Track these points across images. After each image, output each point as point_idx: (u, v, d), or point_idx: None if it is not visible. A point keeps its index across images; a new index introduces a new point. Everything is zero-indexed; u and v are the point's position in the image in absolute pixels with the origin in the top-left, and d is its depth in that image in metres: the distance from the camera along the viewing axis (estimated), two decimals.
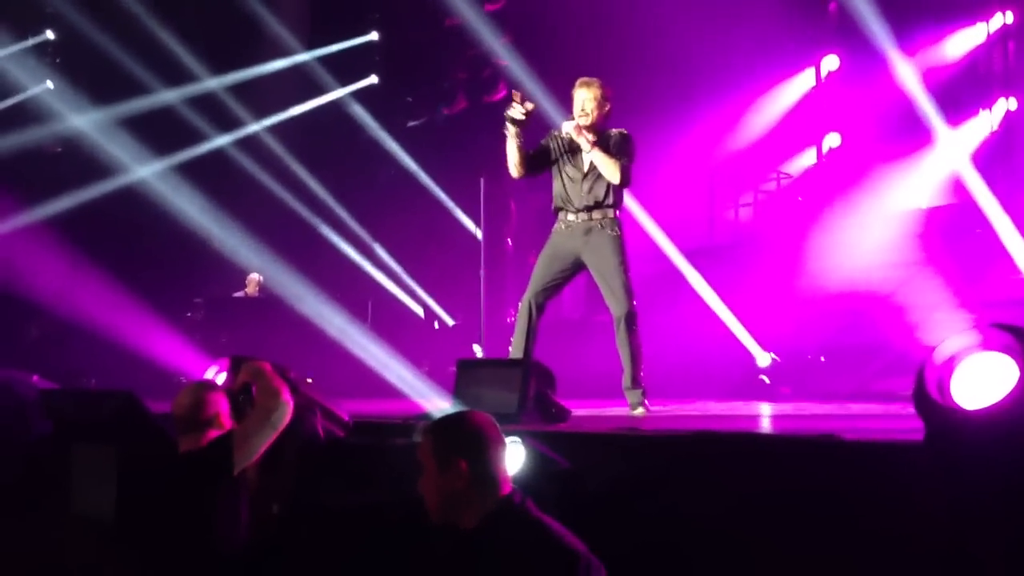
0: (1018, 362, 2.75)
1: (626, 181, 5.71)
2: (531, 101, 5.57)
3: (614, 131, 5.80)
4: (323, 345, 9.01)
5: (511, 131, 5.60)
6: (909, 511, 3.06)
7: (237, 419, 3.91)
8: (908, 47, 8.93)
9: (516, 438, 3.59)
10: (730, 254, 9.62)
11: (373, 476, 4.18)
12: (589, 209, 5.78)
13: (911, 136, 9.09)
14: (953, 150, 8.73)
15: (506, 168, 5.79)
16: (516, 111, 5.51)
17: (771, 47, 10.14)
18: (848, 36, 9.46)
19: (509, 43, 10.18)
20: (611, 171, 5.66)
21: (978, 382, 2.82)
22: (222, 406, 3.91)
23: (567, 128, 5.77)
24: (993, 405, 2.74)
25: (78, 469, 4.27)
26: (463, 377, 5.10)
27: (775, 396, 7.08)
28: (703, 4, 9.55)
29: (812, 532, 3.31)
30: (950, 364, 2.87)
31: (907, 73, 8.69)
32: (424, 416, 4.46)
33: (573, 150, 5.83)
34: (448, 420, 3.06)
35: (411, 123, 12.03)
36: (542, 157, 5.89)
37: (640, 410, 5.65)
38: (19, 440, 4.46)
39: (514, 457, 3.53)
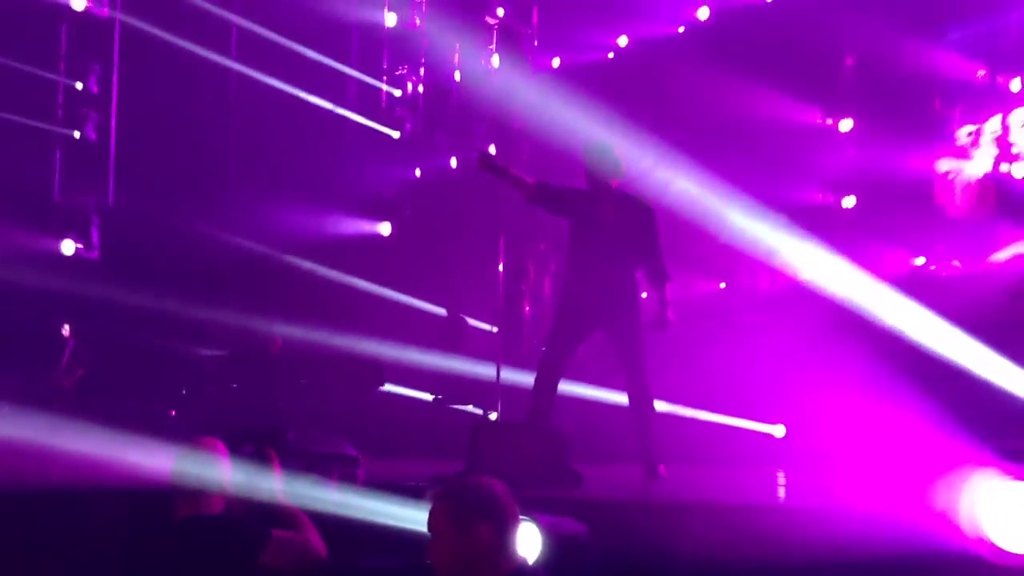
0: None
1: None
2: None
3: None
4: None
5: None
6: None
7: None
8: None
9: (527, 519, 3.57)
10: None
11: None
12: None
13: None
14: None
15: None
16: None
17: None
18: None
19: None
20: None
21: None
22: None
23: None
24: None
25: None
26: (479, 442, 5.12)
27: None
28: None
29: None
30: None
31: None
32: (435, 480, 4.47)
33: None
34: (468, 485, 3.03)
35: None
36: None
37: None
38: None
39: (529, 540, 3.53)
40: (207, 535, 3.54)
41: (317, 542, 3.66)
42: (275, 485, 3.75)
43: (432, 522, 2.91)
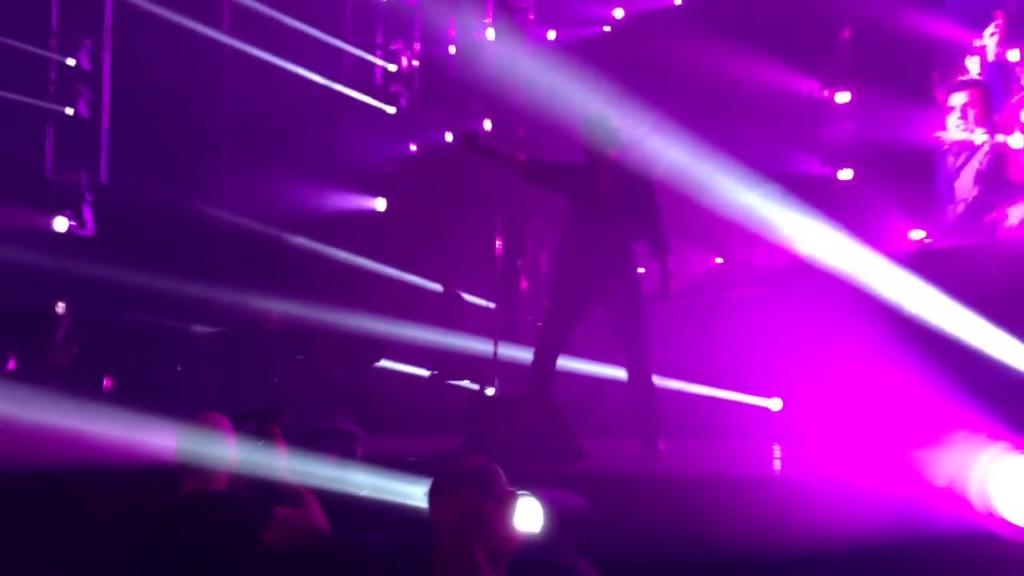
0: None
1: None
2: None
3: None
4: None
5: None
6: None
7: None
8: None
9: (527, 493, 3.56)
10: None
11: None
12: None
13: None
14: None
15: None
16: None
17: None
18: None
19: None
20: None
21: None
22: None
23: None
24: None
25: None
26: (480, 416, 5.11)
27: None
28: None
29: None
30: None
31: None
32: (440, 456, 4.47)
33: None
34: (459, 468, 3.01)
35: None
36: None
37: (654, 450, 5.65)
38: None
39: (531, 514, 3.52)
40: (210, 511, 3.54)
41: (320, 519, 3.66)
42: (279, 462, 3.75)
43: (436, 514, 2.89)
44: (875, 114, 8.85)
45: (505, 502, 2.91)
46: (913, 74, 8.63)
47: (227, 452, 3.66)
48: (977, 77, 7.43)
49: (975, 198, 6.63)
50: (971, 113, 6.88)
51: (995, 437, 2.85)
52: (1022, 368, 4.86)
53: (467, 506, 2.87)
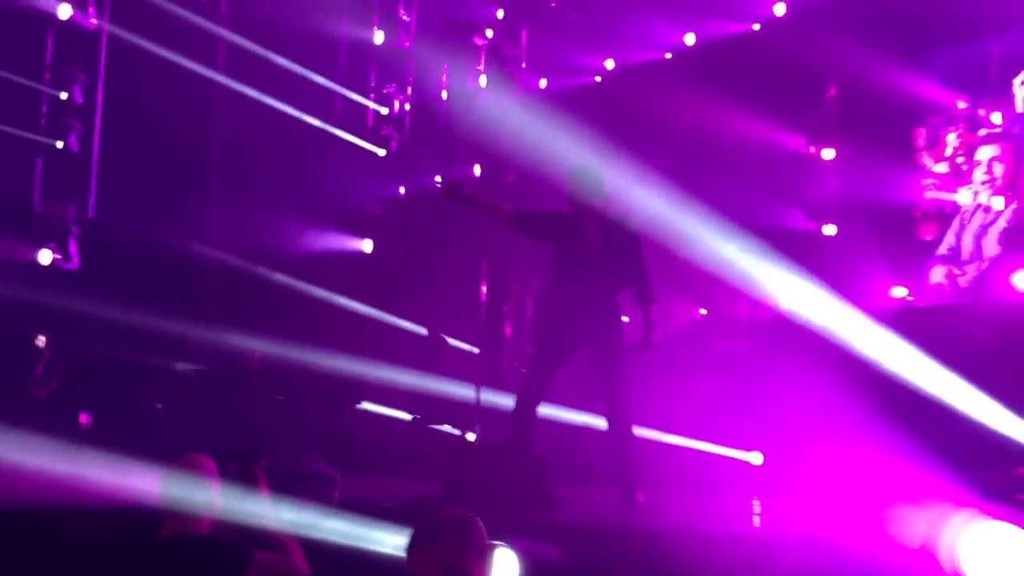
0: None
1: None
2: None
3: None
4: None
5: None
6: None
7: None
8: None
9: (503, 544, 3.56)
10: None
11: None
12: None
13: None
14: None
15: None
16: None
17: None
18: None
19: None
20: None
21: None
22: None
23: None
24: None
25: None
26: (458, 463, 5.09)
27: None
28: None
29: None
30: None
31: None
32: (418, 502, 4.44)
33: None
34: (446, 521, 2.99)
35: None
36: None
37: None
38: None
39: (506, 565, 3.51)
40: (191, 555, 3.51)
41: (301, 564, 3.63)
42: (262, 506, 3.72)
43: (412, 565, 2.87)
44: (860, 171, 8.95)
45: (485, 555, 2.89)
46: (898, 133, 8.75)
47: (211, 496, 3.62)
48: (998, 131, 7.09)
49: (999, 256, 6.49)
50: (999, 168, 6.49)
51: (964, 503, 2.87)
52: (998, 430, 4.88)
53: (447, 561, 2.84)
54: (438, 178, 10.90)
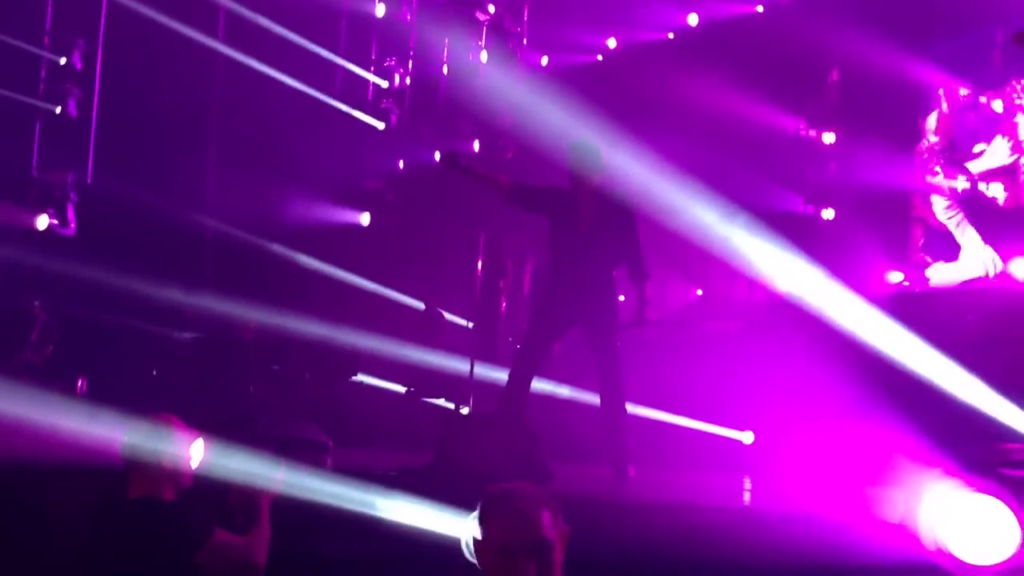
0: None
1: None
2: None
3: None
4: None
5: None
6: None
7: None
8: None
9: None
10: None
11: None
12: None
13: None
14: None
15: None
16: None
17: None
18: None
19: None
20: None
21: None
22: None
23: None
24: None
25: None
26: (449, 432, 5.11)
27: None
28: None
29: None
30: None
31: None
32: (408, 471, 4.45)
33: None
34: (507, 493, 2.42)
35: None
36: None
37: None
38: None
39: None
40: (150, 521, 3.45)
41: (260, 552, 3.52)
42: (243, 469, 3.68)
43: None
44: (860, 156, 8.95)
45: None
46: (899, 118, 8.75)
47: (174, 453, 3.53)
48: None
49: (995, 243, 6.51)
50: None
51: (945, 474, 2.91)
52: (986, 411, 4.91)
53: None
54: (437, 153, 10.91)
